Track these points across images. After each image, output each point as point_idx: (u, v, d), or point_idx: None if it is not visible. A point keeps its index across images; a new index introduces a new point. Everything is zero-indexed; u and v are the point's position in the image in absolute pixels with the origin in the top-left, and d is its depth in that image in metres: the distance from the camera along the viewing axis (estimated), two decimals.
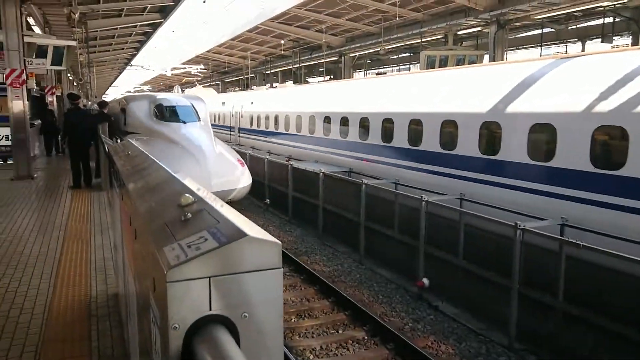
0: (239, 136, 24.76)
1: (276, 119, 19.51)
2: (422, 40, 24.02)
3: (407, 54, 31.19)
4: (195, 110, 13.78)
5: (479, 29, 21.92)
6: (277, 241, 1.08)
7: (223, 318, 1.08)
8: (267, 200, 15.29)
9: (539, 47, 22.28)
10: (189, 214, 1.31)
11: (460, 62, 20.85)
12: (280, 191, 14.42)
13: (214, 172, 11.01)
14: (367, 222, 10.17)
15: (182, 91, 44.49)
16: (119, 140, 12.04)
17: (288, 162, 14.30)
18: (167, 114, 13.32)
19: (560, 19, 20.55)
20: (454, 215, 8.36)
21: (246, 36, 32.13)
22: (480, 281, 7.58)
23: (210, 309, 1.08)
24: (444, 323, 7.58)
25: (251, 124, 22.89)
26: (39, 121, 19.09)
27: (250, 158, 16.67)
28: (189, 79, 54.98)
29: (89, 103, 33.91)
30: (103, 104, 13.76)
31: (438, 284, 8.30)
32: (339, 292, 8.37)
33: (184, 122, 12.88)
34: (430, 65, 20.36)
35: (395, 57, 33.08)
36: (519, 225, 6.57)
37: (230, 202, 10.33)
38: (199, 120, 13.40)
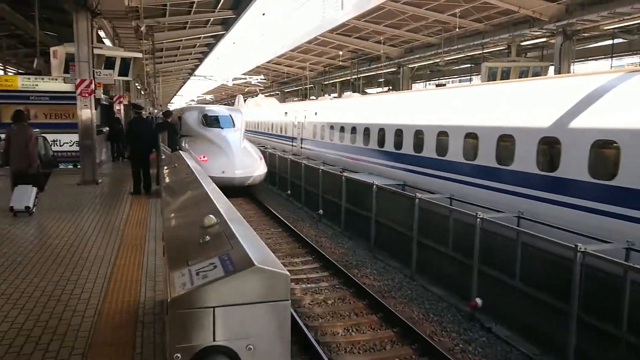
0: (301, 147, 24.01)
1: (342, 129, 18.82)
2: (484, 51, 23.45)
3: (468, 65, 30.57)
4: (232, 119, 18.68)
5: (544, 39, 21.16)
6: (286, 272, 1.04)
7: (227, 349, 1.05)
8: (321, 211, 15.29)
9: (610, 59, 21.24)
10: (207, 237, 1.30)
11: (523, 74, 20.19)
12: (333, 202, 14.39)
13: (238, 164, 16.40)
14: (419, 237, 9.96)
15: (245, 100, 44.99)
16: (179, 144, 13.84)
17: (341, 173, 14.27)
18: (211, 121, 18.21)
19: (633, 29, 19.50)
20: (510, 234, 8.03)
21: (305, 47, 32.51)
22: (537, 304, 7.21)
23: (214, 340, 1.04)
24: (496, 346, 7.26)
25: (314, 135, 22.11)
26: (107, 128, 20.14)
27: (305, 168, 16.78)
28: (251, 88, 56.15)
29: (154, 111, 35.42)
30: (168, 114, 14.29)
31: (492, 304, 7.97)
32: (388, 308, 8.21)
33: (222, 128, 18.03)
34: (491, 77, 19.84)
35: (456, 68, 32.50)
36: (580, 248, 6.21)
37: (251, 186, 17.43)
38: (234, 127, 18.39)
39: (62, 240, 7.16)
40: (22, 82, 16.81)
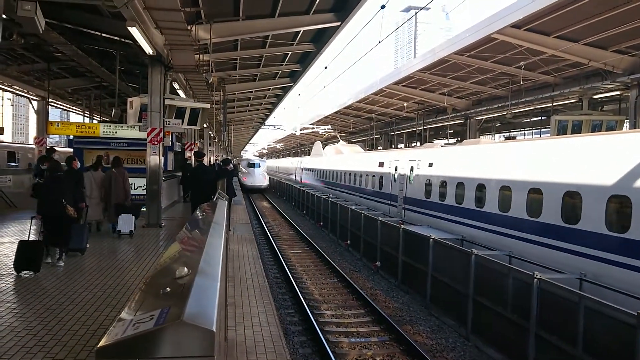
0: (404, 208, 19.03)
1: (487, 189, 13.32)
2: (554, 104, 22.77)
3: (539, 118, 29.70)
4: (258, 164, 46.17)
5: (618, 92, 20.29)
6: (212, 329, 1.05)
7: None
8: (378, 263, 15.06)
9: None
10: (167, 289, 1.34)
11: (596, 128, 19.33)
12: (391, 254, 14.14)
13: (256, 180, 44.03)
14: (476, 295, 9.54)
15: (323, 147, 43.01)
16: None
17: (399, 225, 14.08)
18: (250, 165, 45.93)
19: None
20: (572, 297, 7.52)
21: (372, 99, 32.97)
22: None
23: None
24: None
25: (428, 195, 16.78)
26: (180, 173, 21.34)
27: (364, 218, 16.68)
28: (327, 134, 56.94)
29: (217, 159, 37.16)
30: (226, 162, 14.86)
31: None
32: None
33: (254, 167, 45.29)
34: (561, 130, 19.13)
35: (527, 120, 31.67)
36: None
37: (262, 190, 44.86)
38: (259, 167, 45.56)
39: (122, 281, 7.50)
40: (104, 130, 18.14)
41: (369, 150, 39.64)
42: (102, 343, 1.08)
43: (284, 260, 15.42)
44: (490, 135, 34.83)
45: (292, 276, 13.51)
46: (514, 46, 17.83)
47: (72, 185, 9.33)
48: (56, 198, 8.37)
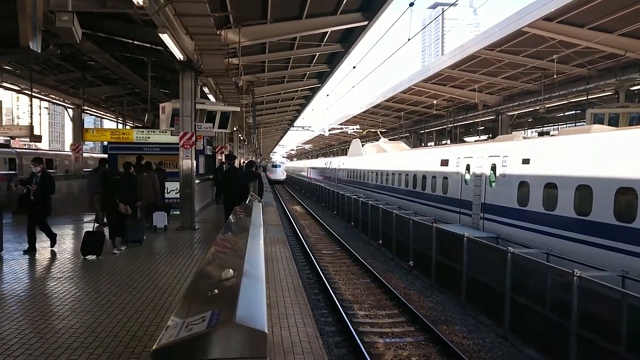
0: (482, 218, 15.13)
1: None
2: (589, 97, 22.19)
3: (573, 112, 29.01)
4: (280, 165, 70.47)
5: None
6: (264, 330, 1.05)
7: None
8: (411, 262, 14.94)
9: None
10: (215, 291, 1.35)
11: (634, 120, 18.75)
12: (424, 254, 14.00)
13: (278, 176, 65.32)
14: (513, 294, 9.36)
15: (362, 145, 38.28)
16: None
17: (433, 224, 13.94)
18: (274, 165, 69.81)
19: None
20: (615, 296, 7.31)
21: (400, 97, 32.76)
22: None
23: None
24: None
25: (524, 201, 13.08)
26: (212, 176, 21.73)
27: (396, 218, 16.59)
28: (347, 138, 57.04)
29: (243, 162, 37.37)
30: (251, 164, 14.95)
31: None
32: None
33: (276, 167, 67.77)
34: (597, 124, 18.63)
35: (560, 114, 30.98)
36: None
37: (281, 182, 66.20)
38: (280, 167, 68.53)
39: (153, 283, 7.64)
40: (137, 135, 18.54)
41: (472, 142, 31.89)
42: (157, 345, 1.10)
43: (316, 261, 15.45)
44: (523, 131, 34.18)
45: (325, 276, 13.52)
46: (546, 39, 17.47)
47: (126, 187, 10.74)
48: (112, 197, 10.22)
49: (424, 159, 21.04)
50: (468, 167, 16.51)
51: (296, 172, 79.59)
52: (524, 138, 16.68)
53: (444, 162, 18.50)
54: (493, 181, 14.82)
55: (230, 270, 1.48)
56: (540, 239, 12.00)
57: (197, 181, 14.48)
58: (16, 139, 31.70)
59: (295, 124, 51.86)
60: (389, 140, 36.52)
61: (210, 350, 1.07)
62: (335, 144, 77.93)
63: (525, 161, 13.37)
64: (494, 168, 14.88)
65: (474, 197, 15.71)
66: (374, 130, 45.43)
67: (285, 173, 69.67)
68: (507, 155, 14.33)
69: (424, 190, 20.28)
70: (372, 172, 29.59)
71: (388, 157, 28.50)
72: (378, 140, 36.48)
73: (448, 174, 18.05)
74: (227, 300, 1.28)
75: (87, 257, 9.56)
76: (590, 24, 16.11)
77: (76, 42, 8.93)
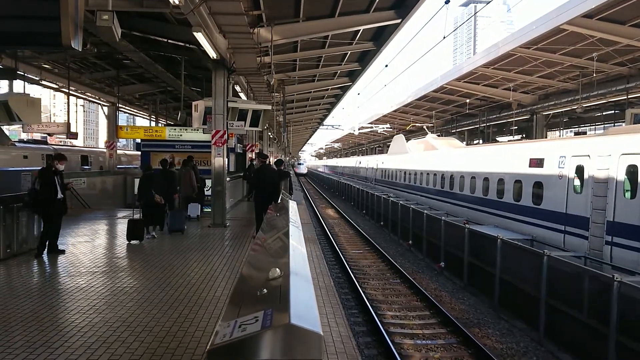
0: (609, 243, 10.81)
1: None
2: (629, 96, 21.51)
3: (612, 112, 28.16)
4: (303, 162, 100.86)
5: None
6: (319, 332, 1.02)
7: None
8: (442, 264, 14.75)
9: None
10: (264, 290, 1.33)
11: None
12: (456, 255, 13.80)
13: (302, 171, 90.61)
14: (548, 298, 9.13)
15: (407, 140, 34.35)
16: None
17: (465, 225, 13.72)
18: (299, 163, 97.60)
19: None
20: None
21: (432, 96, 32.39)
22: None
23: None
24: None
25: None
26: (242, 174, 21.97)
27: (427, 218, 16.40)
28: (377, 137, 56.73)
29: (272, 159, 37.47)
30: (279, 162, 14.97)
31: None
32: None
33: (300, 165, 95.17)
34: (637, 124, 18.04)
35: (598, 114, 30.12)
36: None
37: (304, 174, 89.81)
38: (303, 164, 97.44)
39: (186, 279, 7.73)
40: (169, 133, 18.82)
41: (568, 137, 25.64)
42: (211, 345, 1.08)
43: (345, 261, 15.39)
44: (558, 132, 33.42)
45: (354, 276, 13.46)
46: (585, 37, 17.00)
47: (162, 180, 12.14)
48: (149, 190, 11.48)
49: (499, 158, 17.12)
50: (580, 170, 12.36)
51: (346, 174, 55.53)
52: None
53: (536, 162, 14.33)
54: (628, 190, 10.69)
55: (277, 269, 1.46)
56: None
57: (227, 179, 14.59)
58: (53, 135, 32.55)
59: (324, 123, 51.85)
60: (437, 137, 31.48)
61: (266, 351, 1.05)
62: (364, 143, 77.60)
63: None
64: (631, 172, 10.69)
65: (594, 212, 11.43)
66: (419, 125, 40.86)
67: (307, 169, 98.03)
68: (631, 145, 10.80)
69: (500, 198, 16.20)
70: (424, 174, 25.33)
71: (442, 155, 23.87)
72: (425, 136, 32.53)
73: (542, 177, 13.88)
74: (277, 300, 1.26)
75: (131, 242, 10.89)
76: (632, 21, 15.61)
77: (115, 41, 9.09)
